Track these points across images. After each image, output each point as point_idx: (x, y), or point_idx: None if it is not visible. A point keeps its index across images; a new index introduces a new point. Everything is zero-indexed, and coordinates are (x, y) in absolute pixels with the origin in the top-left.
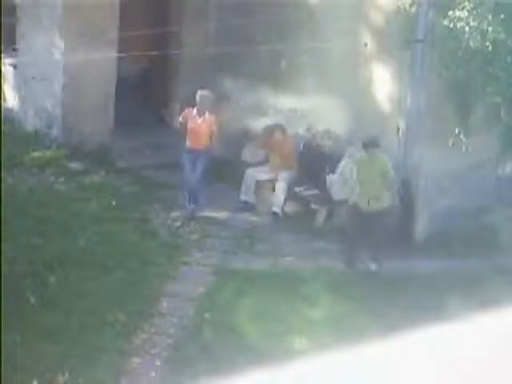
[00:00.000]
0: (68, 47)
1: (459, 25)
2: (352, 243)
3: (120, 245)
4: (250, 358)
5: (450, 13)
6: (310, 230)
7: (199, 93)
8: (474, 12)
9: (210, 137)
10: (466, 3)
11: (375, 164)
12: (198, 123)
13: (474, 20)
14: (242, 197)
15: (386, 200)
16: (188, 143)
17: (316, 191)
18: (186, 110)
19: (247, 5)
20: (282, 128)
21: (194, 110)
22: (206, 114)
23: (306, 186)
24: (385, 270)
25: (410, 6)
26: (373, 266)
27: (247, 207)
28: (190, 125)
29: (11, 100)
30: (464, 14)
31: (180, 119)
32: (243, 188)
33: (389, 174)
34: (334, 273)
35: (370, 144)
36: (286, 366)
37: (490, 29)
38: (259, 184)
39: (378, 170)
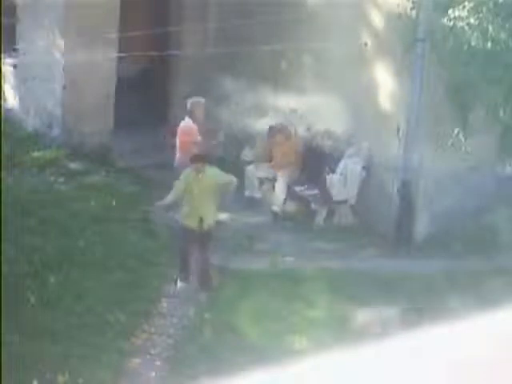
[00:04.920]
0: (68, 47)
1: (459, 24)
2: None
3: (120, 245)
4: (250, 358)
5: (450, 11)
6: (309, 230)
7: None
8: (474, 11)
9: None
10: (466, 2)
11: (204, 180)
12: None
13: (474, 19)
14: (247, 193)
15: (214, 217)
16: None
17: (316, 191)
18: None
19: (247, 5)
20: (286, 127)
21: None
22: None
23: (306, 186)
24: (385, 270)
25: (411, 9)
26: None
27: (254, 202)
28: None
29: (11, 100)
30: (464, 13)
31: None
32: (246, 184)
33: (218, 187)
34: (333, 273)
35: (196, 159)
36: (285, 366)
37: (491, 28)
38: (260, 182)
39: (206, 186)
